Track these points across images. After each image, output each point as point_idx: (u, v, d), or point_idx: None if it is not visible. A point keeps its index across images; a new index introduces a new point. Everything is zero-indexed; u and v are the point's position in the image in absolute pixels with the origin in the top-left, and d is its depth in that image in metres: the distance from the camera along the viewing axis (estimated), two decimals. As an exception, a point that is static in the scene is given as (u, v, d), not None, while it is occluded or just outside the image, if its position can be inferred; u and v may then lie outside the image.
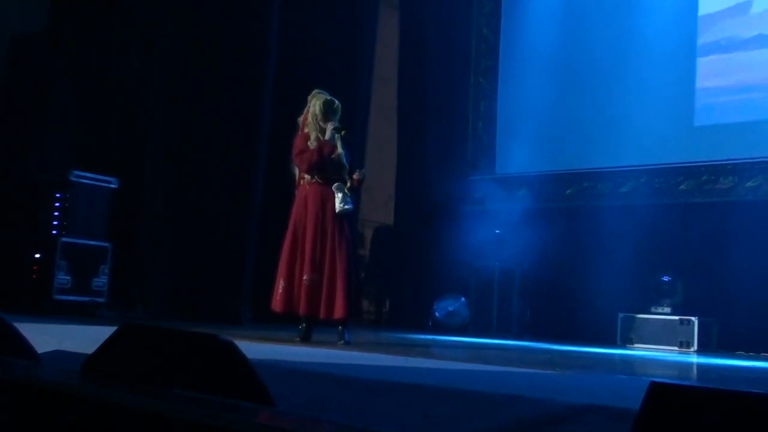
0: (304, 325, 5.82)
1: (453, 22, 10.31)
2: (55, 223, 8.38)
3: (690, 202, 8.43)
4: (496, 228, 9.36)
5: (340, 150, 5.90)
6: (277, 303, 5.78)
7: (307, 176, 5.90)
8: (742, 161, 8.15)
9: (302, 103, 6.14)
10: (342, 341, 5.69)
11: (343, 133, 5.91)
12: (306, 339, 5.76)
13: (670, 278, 8.10)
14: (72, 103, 9.09)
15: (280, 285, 5.78)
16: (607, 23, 9.26)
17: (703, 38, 8.62)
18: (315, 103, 5.95)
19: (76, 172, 8.45)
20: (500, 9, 10.26)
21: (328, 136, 5.87)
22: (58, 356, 3.50)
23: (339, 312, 5.66)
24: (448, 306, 9.29)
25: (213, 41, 9.01)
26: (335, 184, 5.85)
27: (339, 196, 5.81)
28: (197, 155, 8.94)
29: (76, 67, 9.20)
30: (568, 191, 9.34)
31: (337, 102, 5.99)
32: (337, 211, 5.79)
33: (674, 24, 8.72)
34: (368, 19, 9.99)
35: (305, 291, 5.69)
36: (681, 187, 8.53)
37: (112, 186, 8.70)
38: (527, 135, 9.59)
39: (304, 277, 5.71)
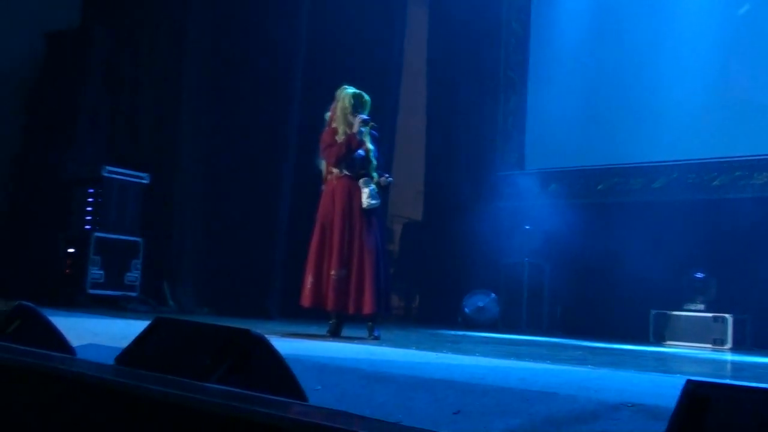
0: (334, 320, 5.83)
1: (482, 16, 10.25)
2: (88, 218, 8.48)
3: (723, 198, 8.33)
4: (526, 224, 9.31)
5: (369, 146, 5.89)
6: (305, 298, 5.78)
7: (335, 170, 5.89)
8: (777, 156, 8.04)
9: (331, 99, 6.14)
10: (372, 336, 5.69)
11: (370, 125, 5.89)
12: (336, 334, 5.77)
13: (703, 275, 8.01)
14: (104, 99, 9.18)
15: (308, 280, 5.78)
16: (638, 16, 9.17)
17: (737, 30, 8.50)
18: (344, 97, 5.93)
19: (109, 168, 8.54)
20: (530, 3, 10.19)
21: (355, 128, 5.85)
22: (93, 350, 3.54)
23: (368, 307, 5.65)
24: (478, 302, 9.26)
25: (242, 37, 9.06)
26: (362, 179, 5.83)
27: (366, 191, 5.79)
28: (227, 150, 9.00)
29: (109, 64, 9.29)
30: (599, 187, 9.27)
31: (366, 96, 5.97)
32: (363, 206, 5.77)
33: (708, 17, 8.61)
34: (397, 13, 9.97)
35: (333, 286, 5.68)
36: (714, 182, 8.43)
37: (144, 181, 8.79)
38: (557, 130, 9.52)
39: (332, 272, 5.70)
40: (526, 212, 9.41)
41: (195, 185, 9.06)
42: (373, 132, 6.00)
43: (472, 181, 10.01)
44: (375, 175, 5.91)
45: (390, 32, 9.86)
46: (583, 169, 9.38)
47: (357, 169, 5.88)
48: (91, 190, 8.51)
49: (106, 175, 8.49)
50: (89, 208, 8.50)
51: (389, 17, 9.87)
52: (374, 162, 5.92)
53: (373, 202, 5.80)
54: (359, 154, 5.87)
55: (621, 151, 9.09)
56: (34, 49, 9.33)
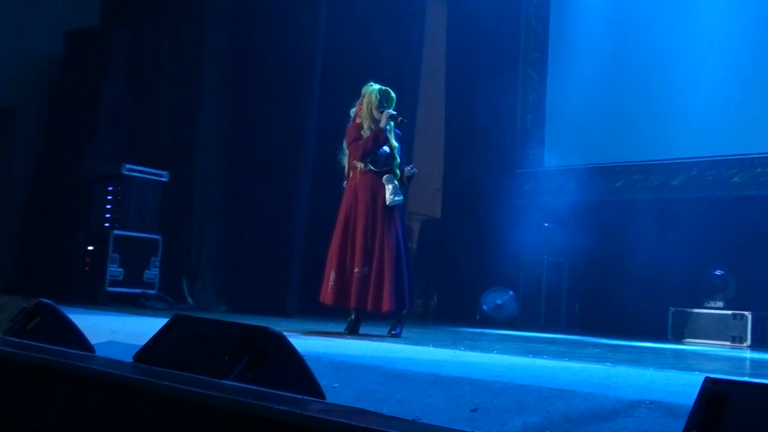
0: (352, 317, 5.81)
1: (501, 13, 10.23)
2: (107, 216, 8.53)
3: (743, 195, 8.27)
4: (544, 221, 9.29)
5: (395, 143, 5.87)
6: (328, 296, 5.72)
7: (360, 165, 5.85)
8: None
9: (350, 95, 6.13)
10: (390, 334, 5.68)
11: (399, 120, 5.86)
12: (354, 331, 5.75)
13: (722, 272, 7.96)
14: (124, 97, 9.22)
15: (330, 278, 5.71)
16: (657, 13, 9.12)
17: (755, 24, 8.44)
18: (370, 93, 5.90)
19: (128, 166, 8.59)
20: (549, 0, 10.16)
21: (383, 123, 5.80)
22: (111, 347, 3.56)
23: (386, 305, 5.62)
24: (496, 299, 9.25)
25: (261, 34, 9.08)
26: (386, 176, 5.81)
27: (389, 187, 5.77)
28: (246, 148, 9.02)
29: (128, 63, 9.34)
30: (618, 184, 9.23)
31: (392, 92, 5.94)
32: (387, 203, 5.74)
33: (727, 13, 8.55)
34: (416, 10, 9.96)
35: (356, 284, 5.66)
36: (734, 179, 8.38)
37: (163, 179, 8.83)
38: (577, 127, 9.49)
39: (355, 270, 5.66)
40: (545, 209, 9.38)
41: (214, 183, 9.10)
42: (397, 131, 5.98)
43: (490, 178, 9.99)
44: (398, 172, 5.88)
45: (409, 29, 9.85)
46: (602, 165, 9.35)
47: (381, 165, 5.84)
48: (111, 188, 8.56)
49: (125, 172, 8.54)
50: (109, 206, 8.55)
51: (408, 14, 9.86)
52: (398, 159, 5.89)
53: (397, 198, 5.78)
54: (384, 151, 5.84)
55: (640, 148, 9.05)
56: (54, 49, 9.40)
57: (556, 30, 10.03)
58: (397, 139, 5.94)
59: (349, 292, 5.66)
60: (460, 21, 10.60)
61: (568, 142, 9.63)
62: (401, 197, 5.83)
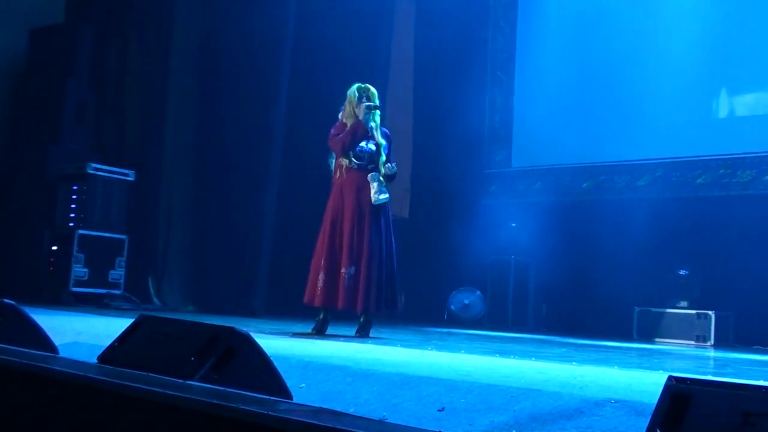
0: (321, 317, 5.77)
1: (469, 15, 10.26)
2: (72, 215, 8.45)
3: (707, 196, 8.38)
4: (512, 221, 9.34)
5: (381, 141, 5.84)
6: (317, 298, 5.64)
7: (344, 162, 5.82)
8: (760, 155, 8.09)
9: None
10: (358, 334, 5.67)
11: (373, 108, 5.79)
12: (322, 331, 5.73)
13: (687, 272, 8.06)
14: (89, 96, 9.14)
15: (320, 279, 5.65)
16: (625, 14, 9.20)
17: (723, 29, 8.54)
18: (350, 93, 5.86)
19: (94, 165, 8.51)
20: (517, 2, 10.21)
21: (361, 116, 5.78)
22: (76, 348, 3.52)
23: (360, 306, 5.61)
24: (464, 299, 9.28)
25: (229, 34, 9.04)
26: (370, 174, 5.77)
27: (374, 186, 5.71)
28: (214, 147, 8.98)
29: (94, 61, 9.25)
30: (584, 185, 9.30)
31: (372, 88, 5.91)
32: (372, 201, 5.70)
33: (693, 14, 8.65)
34: (384, 10, 9.96)
35: (343, 285, 5.60)
36: (698, 180, 8.48)
37: (129, 178, 8.76)
38: (544, 128, 9.55)
39: (342, 270, 5.62)
40: (513, 210, 9.43)
41: (181, 183, 9.04)
42: (385, 129, 5.96)
43: (458, 178, 10.02)
44: (383, 169, 5.83)
45: (377, 30, 9.85)
46: (569, 166, 9.41)
47: (365, 161, 5.80)
48: (76, 187, 8.48)
49: (91, 172, 8.46)
50: (74, 205, 8.47)
51: (376, 15, 9.86)
52: (384, 157, 5.85)
53: (382, 197, 5.72)
54: (369, 149, 5.81)
55: (606, 149, 9.13)
56: (19, 46, 9.28)
57: (523, 32, 10.08)
58: (386, 137, 5.92)
59: (337, 293, 5.62)
60: (428, 22, 10.61)
61: (535, 143, 9.69)
62: (387, 195, 5.77)
